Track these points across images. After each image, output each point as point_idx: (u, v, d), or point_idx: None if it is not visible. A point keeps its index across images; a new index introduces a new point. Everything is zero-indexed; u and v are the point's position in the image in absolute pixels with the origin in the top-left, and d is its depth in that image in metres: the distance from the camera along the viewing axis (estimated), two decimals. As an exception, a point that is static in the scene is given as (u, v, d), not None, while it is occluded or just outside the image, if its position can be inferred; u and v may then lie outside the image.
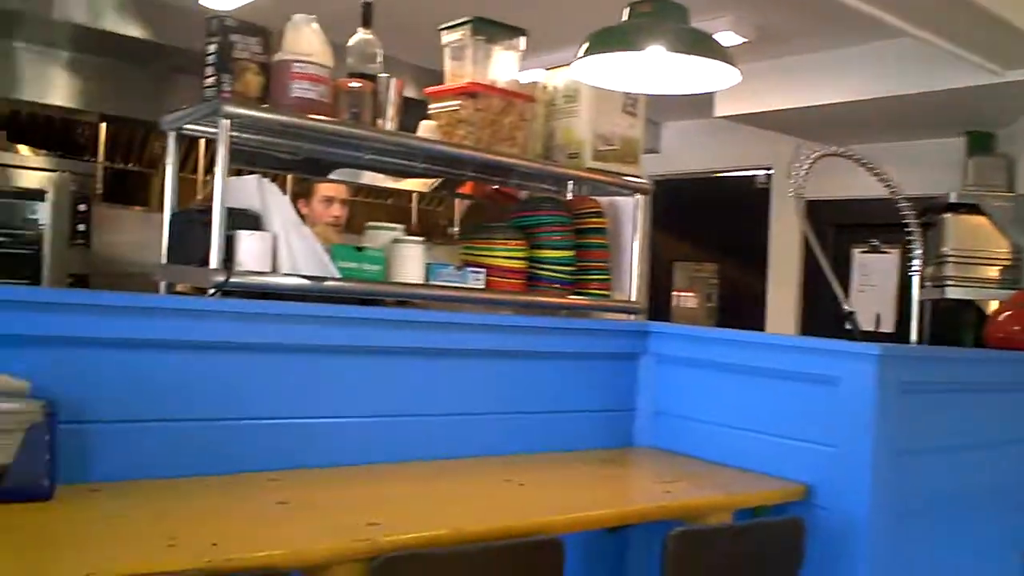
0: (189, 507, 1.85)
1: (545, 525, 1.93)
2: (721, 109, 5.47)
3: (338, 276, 2.41)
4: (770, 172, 6.53)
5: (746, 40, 4.58)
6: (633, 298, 3.07)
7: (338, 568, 1.65)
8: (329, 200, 3.97)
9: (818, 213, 3.00)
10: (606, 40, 2.46)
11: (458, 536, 1.79)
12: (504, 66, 2.85)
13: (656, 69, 2.65)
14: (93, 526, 1.69)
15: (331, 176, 3.06)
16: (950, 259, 4.88)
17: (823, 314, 6.06)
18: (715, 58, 2.44)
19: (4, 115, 5.32)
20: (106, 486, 1.93)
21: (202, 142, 5.28)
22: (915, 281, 3.16)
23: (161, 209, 2.64)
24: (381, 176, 3.03)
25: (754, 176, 6.62)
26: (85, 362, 1.97)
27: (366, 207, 6.37)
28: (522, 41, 2.87)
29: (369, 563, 1.65)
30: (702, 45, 2.42)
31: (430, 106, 2.89)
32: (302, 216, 3.93)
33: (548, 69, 3.05)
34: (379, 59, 2.65)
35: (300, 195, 4.08)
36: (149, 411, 2.05)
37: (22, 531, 1.62)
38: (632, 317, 3.07)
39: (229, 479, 2.09)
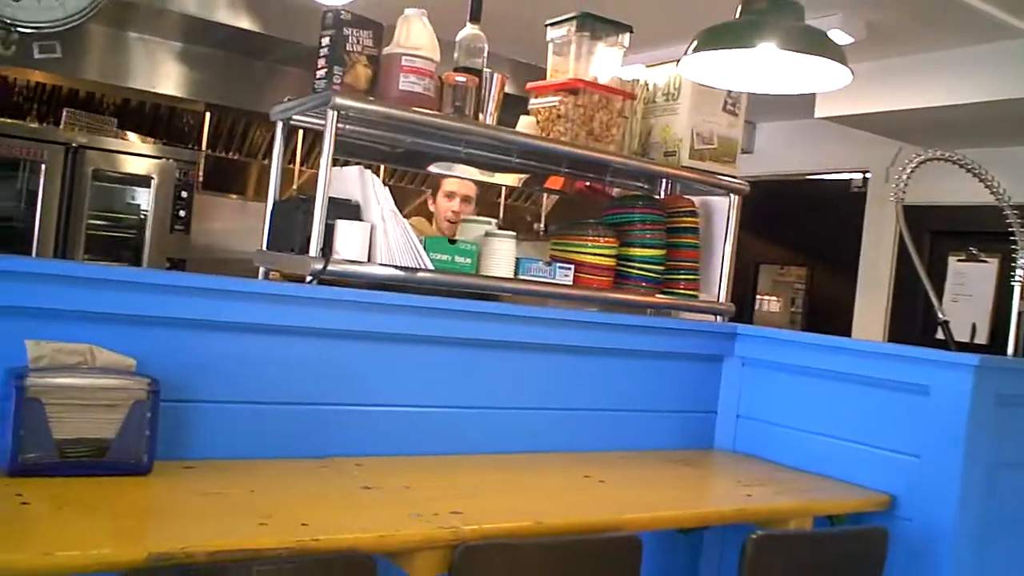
0: (280, 488, 1.91)
1: (625, 522, 1.95)
2: (822, 110, 5.32)
3: (431, 268, 2.44)
4: (867, 176, 6.38)
5: (854, 40, 4.47)
6: (721, 299, 3.05)
7: (421, 554, 1.68)
8: (450, 195, 3.97)
9: (914, 219, 2.93)
10: (717, 37, 2.41)
11: (539, 528, 1.81)
12: (607, 62, 2.83)
13: (765, 67, 2.59)
14: (189, 502, 1.75)
15: (429, 168, 3.11)
16: (1053, 270, 4.71)
17: (912, 323, 5.91)
18: (829, 57, 2.37)
19: (115, 103, 5.52)
20: (200, 464, 2.00)
21: (300, 133, 5.39)
22: (1016, 291, 3.07)
23: (257, 198, 2.70)
24: (473, 170, 3.06)
25: (850, 180, 6.48)
26: (187, 343, 2.05)
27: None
28: (627, 37, 2.85)
29: (452, 551, 1.68)
30: (816, 43, 2.35)
31: (531, 101, 2.90)
32: (430, 212, 3.99)
33: (648, 66, 3.04)
34: (484, 54, 2.68)
35: (432, 190, 4.13)
36: (244, 393, 2.12)
37: (122, 504, 1.68)
38: (718, 319, 3.05)
39: (317, 462, 2.15)
